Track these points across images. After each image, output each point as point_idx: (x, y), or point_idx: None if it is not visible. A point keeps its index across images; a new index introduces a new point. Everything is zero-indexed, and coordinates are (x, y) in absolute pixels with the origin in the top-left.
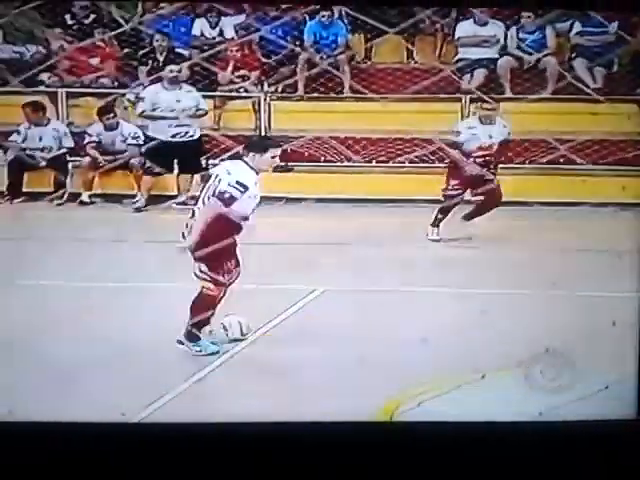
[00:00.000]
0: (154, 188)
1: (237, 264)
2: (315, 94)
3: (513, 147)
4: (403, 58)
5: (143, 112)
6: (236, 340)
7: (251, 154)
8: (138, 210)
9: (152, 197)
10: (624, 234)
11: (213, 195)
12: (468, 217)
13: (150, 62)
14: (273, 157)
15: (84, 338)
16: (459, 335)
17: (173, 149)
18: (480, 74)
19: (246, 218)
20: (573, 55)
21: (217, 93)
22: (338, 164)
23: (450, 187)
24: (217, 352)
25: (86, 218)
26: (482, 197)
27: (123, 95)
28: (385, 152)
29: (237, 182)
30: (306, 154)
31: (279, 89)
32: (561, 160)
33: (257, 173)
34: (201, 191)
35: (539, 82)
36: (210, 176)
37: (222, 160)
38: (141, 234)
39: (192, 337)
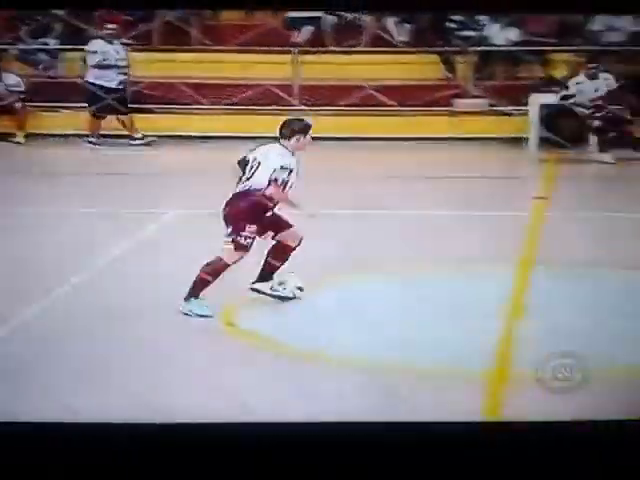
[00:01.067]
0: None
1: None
2: (167, 46)
3: (332, 91)
4: (242, 14)
5: (98, 62)
6: (283, 298)
7: (295, 137)
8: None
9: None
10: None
11: (250, 178)
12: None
13: (31, 22)
14: (311, 138)
15: None
16: None
17: (117, 94)
18: (307, 30)
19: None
20: None
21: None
22: (184, 107)
23: None
24: (210, 316)
25: None
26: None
27: (6, 50)
28: (225, 95)
29: (281, 167)
30: (162, 97)
31: (135, 42)
32: (373, 102)
33: (293, 154)
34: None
35: (356, 36)
36: (248, 161)
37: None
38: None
39: (190, 295)
